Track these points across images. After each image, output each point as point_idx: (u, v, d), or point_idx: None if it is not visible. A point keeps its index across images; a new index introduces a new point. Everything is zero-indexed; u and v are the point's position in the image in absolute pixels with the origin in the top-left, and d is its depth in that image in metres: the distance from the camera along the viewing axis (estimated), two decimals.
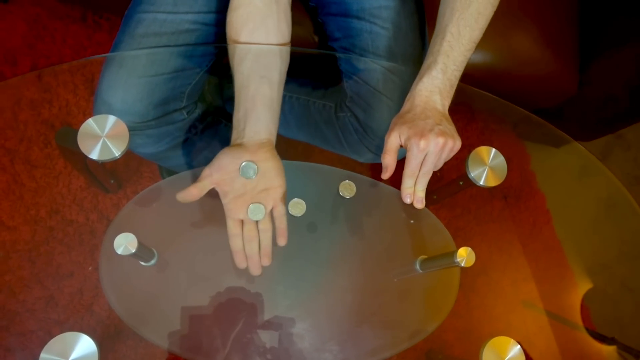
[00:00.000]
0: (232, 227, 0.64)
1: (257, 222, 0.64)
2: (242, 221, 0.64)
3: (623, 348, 0.85)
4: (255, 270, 0.65)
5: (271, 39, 0.65)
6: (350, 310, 0.73)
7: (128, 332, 0.78)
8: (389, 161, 0.64)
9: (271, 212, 0.65)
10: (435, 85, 0.63)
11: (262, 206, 0.63)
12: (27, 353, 0.74)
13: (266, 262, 0.65)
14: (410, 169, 0.63)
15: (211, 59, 0.76)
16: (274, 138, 0.64)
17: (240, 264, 0.65)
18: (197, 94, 0.77)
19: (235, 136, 0.64)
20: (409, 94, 0.66)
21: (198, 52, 0.74)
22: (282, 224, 0.65)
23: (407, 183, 0.63)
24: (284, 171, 0.64)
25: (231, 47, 0.65)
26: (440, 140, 0.60)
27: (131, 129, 0.66)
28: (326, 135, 0.85)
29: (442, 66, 0.63)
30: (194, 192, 0.62)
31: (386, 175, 0.65)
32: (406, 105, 0.65)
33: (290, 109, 0.89)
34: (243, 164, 0.61)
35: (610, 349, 0.86)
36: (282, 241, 0.66)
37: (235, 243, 0.64)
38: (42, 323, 0.84)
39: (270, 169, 0.63)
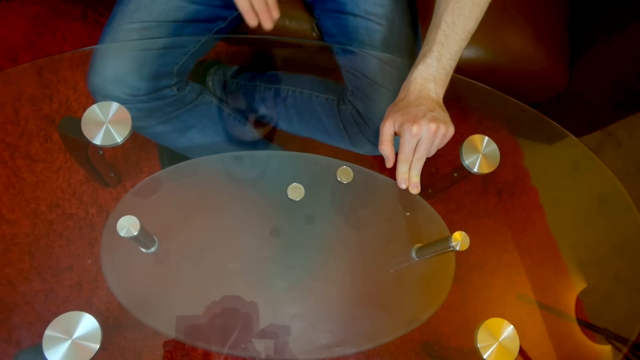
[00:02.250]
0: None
1: None
2: None
3: (616, 338, 0.86)
4: (268, 24, 0.75)
5: None
6: (347, 294, 0.75)
7: (127, 324, 0.78)
8: (387, 150, 0.67)
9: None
10: (430, 73, 0.65)
11: None
12: (26, 345, 0.75)
13: (275, 14, 0.75)
14: (404, 155, 0.64)
15: (199, 40, 0.78)
16: None
17: (252, 21, 0.74)
18: (187, 73, 0.80)
19: None
20: (404, 82, 0.68)
21: (187, 31, 0.76)
22: None
23: (402, 168, 0.65)
24: None
25: None
26: (433, 125, 0.62)
27: (123, 102, 0.68)
28: (328, 128, 0.87)
29: (437, 54, 0.65)
30: None
31: (389, 163, 0.67)
32: (401, 93, 0.67)
33: (293, 103, 0.90)
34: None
35: (603, 341, 0.87)
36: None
37: (243, 3, 0.72)
38: (41, 315, 0.84)
39: None
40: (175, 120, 0.80)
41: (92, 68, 0.71)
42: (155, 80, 0.74)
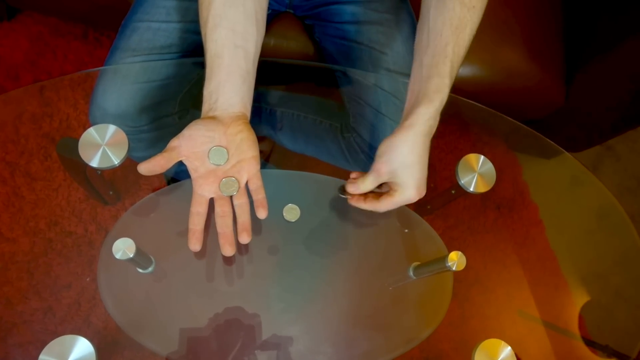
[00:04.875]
0: (196, 205, 0.59)
1: (231, 198, 0.60)
2: (210, 199, 0.60)
3: (617, 355, 0.86)
4: (229, 250, 0.59)
5: (248, 5, 0.61)
6: (344, 314, 0.74)
7: (125, 342, 0.78)
8: (357, 204, 0.65)
9: (247, 187, 0.61)
10: (437, 116, 0.59)
11: (234, 179, 0.59)
12: None
13: (245, 238, 0.59)
14: (381, 207, 0.62)
15: (203, 68, 0.79)
16: (248, 113, 0.61)
17: (194, 245, 0.58)
18: (189, 101, 0.79)
19: (206, 108, 0.60)
20: (412, 119, 0.58)
21: (189, 60, 0.76)
22: (259, 194, 0.61)
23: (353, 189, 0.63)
24: (257, 144, 0.61)
25: (204, 12, 0.60)
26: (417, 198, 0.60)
27: (125, 133, 0.68)
28: (333, 153, 0.87)
29: (447, 89, 0.59)
30: (161, 162, 0.57)
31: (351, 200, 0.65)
32: (408, 136, 0.58)
33: (298, 127, 0.91)
34: (213, 148, 0.58)
35: (605, 357, 0.86)
36: (262, 213, 0.61)
37: (196, 222, 0.58)
38: (39, 334, 0.84)
39: (244, 141, 0.59)
40: None
41: (94, 101, 0.71)
42: (156, 110, 0.73)
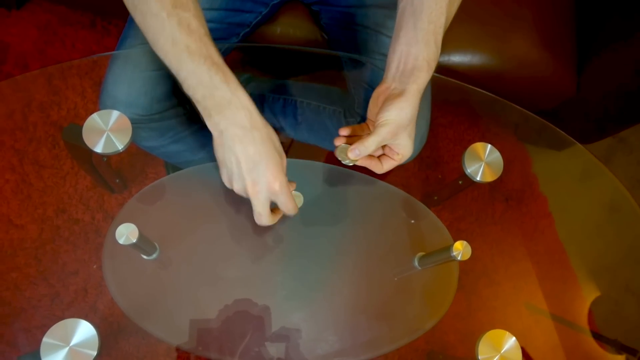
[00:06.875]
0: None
1: None
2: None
3: (625, 349, 0.85)
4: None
5: None
6: (349, 303, 0.74)
7: (131, 329, 0.79)
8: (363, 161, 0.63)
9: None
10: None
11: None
12: (31, 349, 0.75)
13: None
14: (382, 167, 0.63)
15: None
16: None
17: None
18: None
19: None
20: (412, 67, 0.58)
21: None
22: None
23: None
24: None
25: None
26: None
27: (135, 122, 0.67)
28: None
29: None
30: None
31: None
32: (407, 95, 0.58)
33: (301, 114, 0.90)
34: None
35: (614, 351, 0.85)
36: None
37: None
38: (46, 320, 0.85)
39: None
40: (188, 138, 0.79)
41: (105, 90, 0.71)
42: (167, 99, 0.72)
